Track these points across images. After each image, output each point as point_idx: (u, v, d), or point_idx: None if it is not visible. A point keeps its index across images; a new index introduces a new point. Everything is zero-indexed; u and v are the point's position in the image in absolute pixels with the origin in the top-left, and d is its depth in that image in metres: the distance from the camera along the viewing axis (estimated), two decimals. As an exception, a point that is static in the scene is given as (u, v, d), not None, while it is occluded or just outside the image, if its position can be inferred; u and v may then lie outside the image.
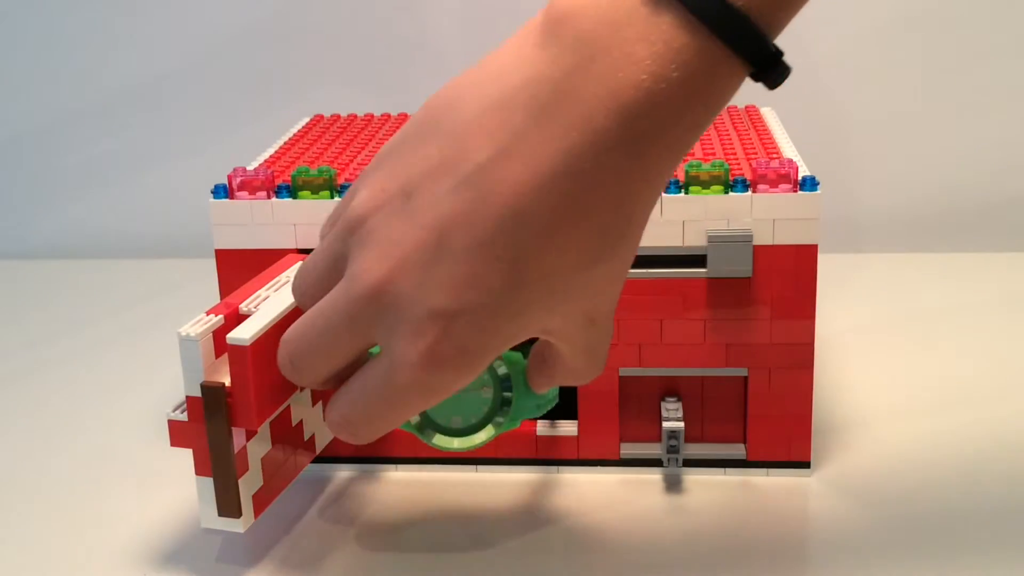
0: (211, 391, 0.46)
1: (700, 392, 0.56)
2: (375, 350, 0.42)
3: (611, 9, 0.36)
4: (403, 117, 0.71)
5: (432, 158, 0.38)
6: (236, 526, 0.48)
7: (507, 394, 0.48)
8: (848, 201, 0.91)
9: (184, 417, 0.47)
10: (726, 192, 0.53)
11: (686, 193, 0.53)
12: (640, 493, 0.56)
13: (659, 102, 0.36)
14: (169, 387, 0.66)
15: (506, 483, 0.57)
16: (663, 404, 0.56)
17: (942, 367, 0.68)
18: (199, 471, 0.48)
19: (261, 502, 0.49)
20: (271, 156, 0.62)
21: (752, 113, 0.68)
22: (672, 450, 0.56)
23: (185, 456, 0.48)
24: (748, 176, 0.54)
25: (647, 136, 0.36)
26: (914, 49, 0.88)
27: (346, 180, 0.57)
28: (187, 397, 0.47)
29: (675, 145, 0.37)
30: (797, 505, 0.55)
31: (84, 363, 0.74)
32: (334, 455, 0.58)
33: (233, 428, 0.47)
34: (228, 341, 0.46)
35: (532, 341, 0.45)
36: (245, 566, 0.51)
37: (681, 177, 0.54)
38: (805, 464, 0.57)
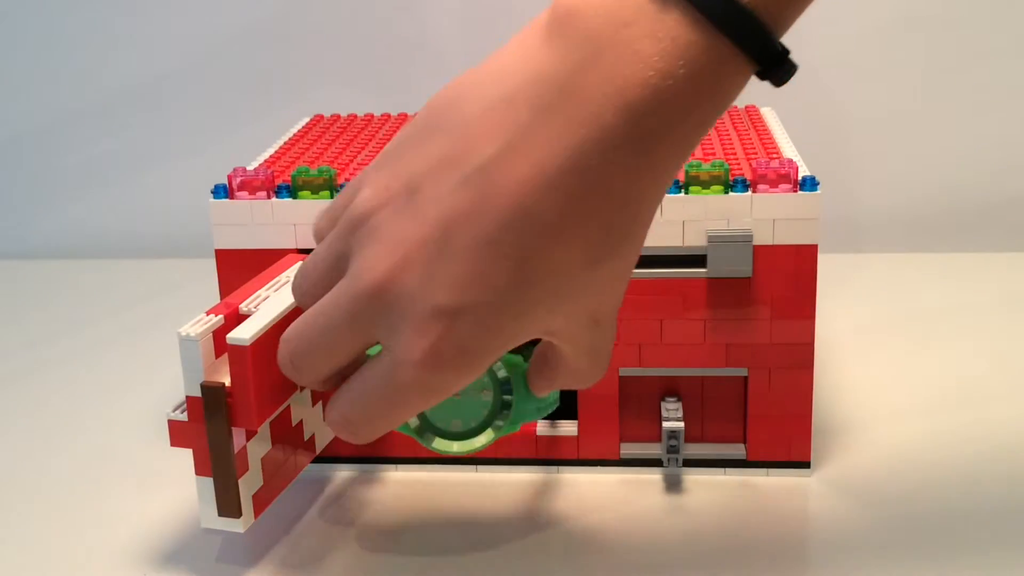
0: (211, 391, 0.46)
1: (700, 392, 0.56)
2: (373, 351, 0.42)
3: (618, 6, 0.36)
4: (403, 117, 0.71)
5: (437, 155, 0.38)
6: (236, 526, 0.48)
7: (507, 397, 0.48)
8: (848, 201, 0.91)
9: (184, 417, 0.47)
10: (726, 192, 0.53)
11: (686, 193, 0.53)
12: (640, 493, 0.56)
13: (666, 99, 0.36)
14: (169, 387, 0.66)
15: (506, 483, 0.57)
16: (663, 404, 0.56)
17: (942, 367, 0.68)
18: (199, 471, 0.48)
19: (261, 502, 0.49)
20: (271, 156, 0.62)
21: (752, 113, 0.68)
22: (672, 450, 0.56)
23: (185, 456, 0.48)
24: (748, 176, 0.54)
25: (654, 133, 0.36)
26: (914, 49, 0.88)
27: (346, 180, 0.57)
28: (187, 397, 0.47)
29: (682, 143, 0.37)
30: (797, 505, 0.55)
31: (84, 363, 0.74)
32: (334, 455, 0.58)
33: (233, 428, 0.47)
34: (228, 341, 0.46)
35: (532, 344, 0.45)
36: (245, 566, 0.51)
37: (681, 177, 0.54)
38: (805, 464, 0.57)
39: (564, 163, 0.36)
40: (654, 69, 0.36)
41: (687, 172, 0.53)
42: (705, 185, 0.53)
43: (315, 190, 0.55)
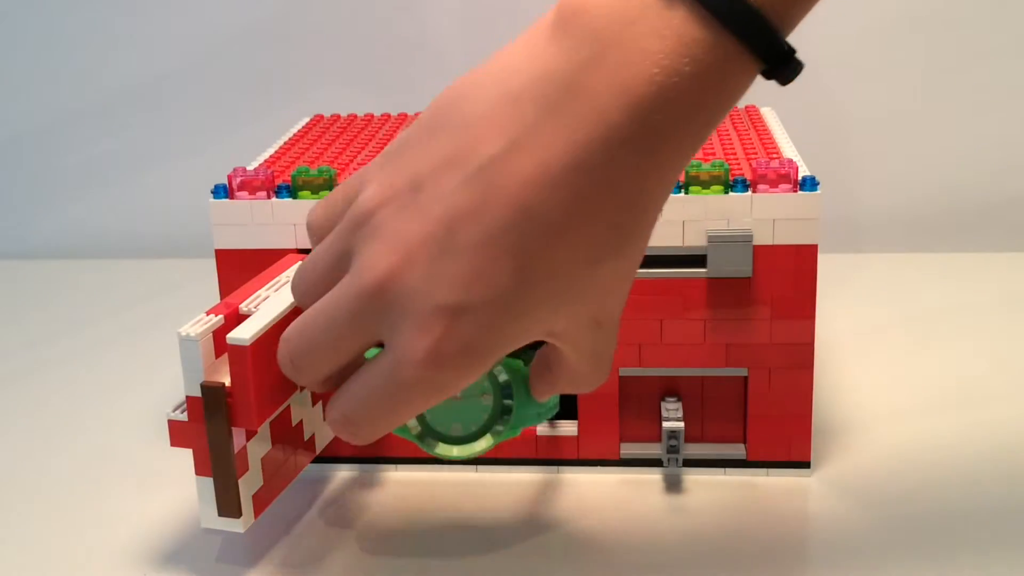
0: (211, 391, 0.46)
1: (700, 392, 0.56)
2: (370, 354, 0.42)
3: (624, 4, 0.36)
4: (403, 117, 0.71)
5: (441, 152, 0.38)
6: (236, 526, 0.48)
7: (507, 402, 0.47)
8: (848, 201, 0.91)
9: (184, 417, 0.47)
10: (726, 192, 0.53)
11: (686, 193, 0.53)
12: (640, 493, 0.56)
13: (671, 97, 0.36)
14: (169, 387, 0.66)
15: (506, 483, 0.57)
16: (663, 404, 0.56)
17: (942, 367, 0.68)
18: (199, 471, 0.48)
19: (261, 502, 0.49)
20: (271, 156, 0.62)
21: (752, 113, 0.68)
22: (672, 450, 0.56)
23: (185, 456, 0.48)
24: (748, 176, 0.54)
25: (660, 131, 0.36)
26: (914, 49, 0.88)
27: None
28: (187, 397, 0.47)
29: (687, 141, 0.37)
30: (797, 505, 0.55)
31: (84, 363, 0.74)
32: (334, 455, 0.58)
33: (233, 428, 0.47)
34: (228, 341, 0.46)
35: (534, 348, 0.45)
36: (245, 566, 0.51)
37: (681, 177, 0.54)
38: (805, 464, 0.57)
39: (569, 161, 0.36)
40: (660, 67, 0.35)
41: (687, 172, 0.53)
42: (705, 185, 0.53)
43: (315, 190, 0.55)
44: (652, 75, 0.35)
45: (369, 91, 0.92)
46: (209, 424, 0.46)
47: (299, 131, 0.68)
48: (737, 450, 0.57)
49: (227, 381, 0.46)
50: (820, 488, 0.56)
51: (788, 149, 0.59)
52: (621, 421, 0.57)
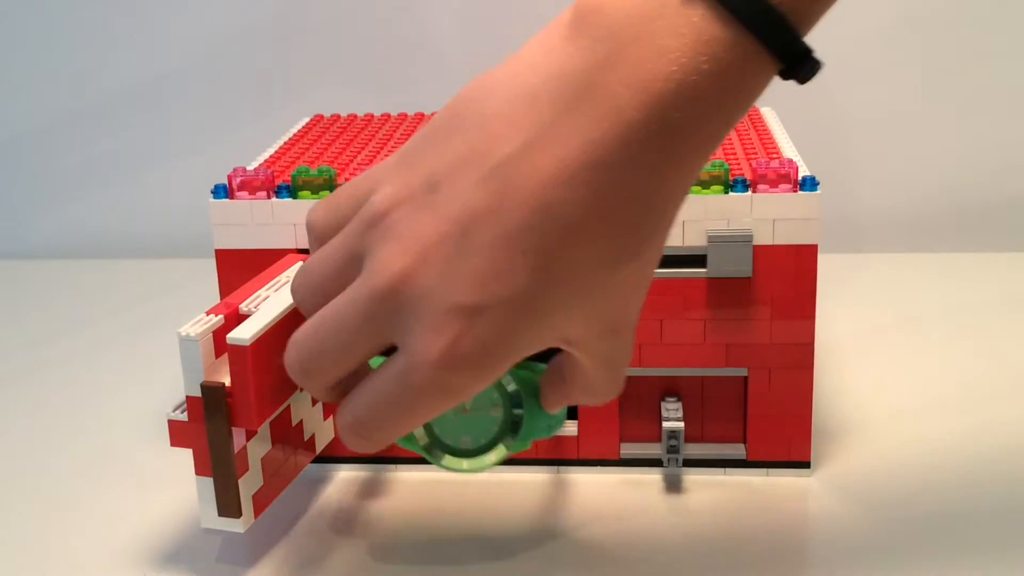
0: (211, 391, 0.46)
1: (700, 392, 0.56)
2: (375, 362, 0.42)
3: (642, 2, 0.36)
4: (403, 117, 0.71)
5: (457, 152, 0.37)
6: (236, 526, 0.48)
7: (517, 412, 0.47)
8: (848, 201, 0.91)
9: (184, 417, 0.47)
10: (726, 192, 0.53)
11: (686, 193, 0.53)
12: (640, 493, 0.56)
13: (689, 95, 0.35)
14: (169, 387, 0.66)
15: (506, 483, 0.57)
16: (663, 404, 0.56)
17: (942, 368, 0.68)
18: (199, 471, 0.48)
19: (261, 502, 0.49)
20: (271, 156, 0.62)
21: (752, 113, 0.68)
22: (672, 450, 0.56)
23: (185, 456, 0.48)
24: (748, 176, 0.54)
25: (677, 130, 0.36)
26: (914, 49, 0.88)
27: (346, 180, 0.57)
28: (187, 397, 0.47)
29: (705, 140, 0.37)
30: (797, 505, 0.55)
31: (84, 363, 0.74)
32: (334, 455, 0.58)
33: (233, 428, 0.47)
34: (228, 341, 0.46)
35: (544, 360, 0.44)
36: (245, 566, 0.51)
37: (681, 177, 0.54)
38: (805, 464, 0.57)
39: (587, 159, 0.36)
40: (677, 64, 0.35)
41: (687, 172, 0.53)
42: (705, 185, 0.53)
43: (315, 190, 0.55)
44: (670, 73, 0.35)
45: (369, 91, 0.92)
46: (209, 424, 0.46)
47: (299, 131, 0.68)
48: (737, 450, 0.57)
49: (227, 381, 0.46)
50: (820, 488, 0.56)
51: (788, 149, 0.59)
52: (621, 421, 0.57)
